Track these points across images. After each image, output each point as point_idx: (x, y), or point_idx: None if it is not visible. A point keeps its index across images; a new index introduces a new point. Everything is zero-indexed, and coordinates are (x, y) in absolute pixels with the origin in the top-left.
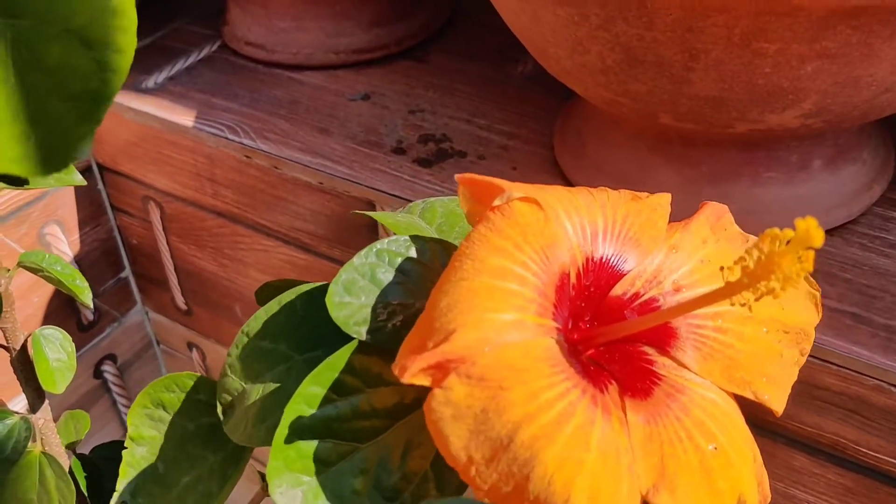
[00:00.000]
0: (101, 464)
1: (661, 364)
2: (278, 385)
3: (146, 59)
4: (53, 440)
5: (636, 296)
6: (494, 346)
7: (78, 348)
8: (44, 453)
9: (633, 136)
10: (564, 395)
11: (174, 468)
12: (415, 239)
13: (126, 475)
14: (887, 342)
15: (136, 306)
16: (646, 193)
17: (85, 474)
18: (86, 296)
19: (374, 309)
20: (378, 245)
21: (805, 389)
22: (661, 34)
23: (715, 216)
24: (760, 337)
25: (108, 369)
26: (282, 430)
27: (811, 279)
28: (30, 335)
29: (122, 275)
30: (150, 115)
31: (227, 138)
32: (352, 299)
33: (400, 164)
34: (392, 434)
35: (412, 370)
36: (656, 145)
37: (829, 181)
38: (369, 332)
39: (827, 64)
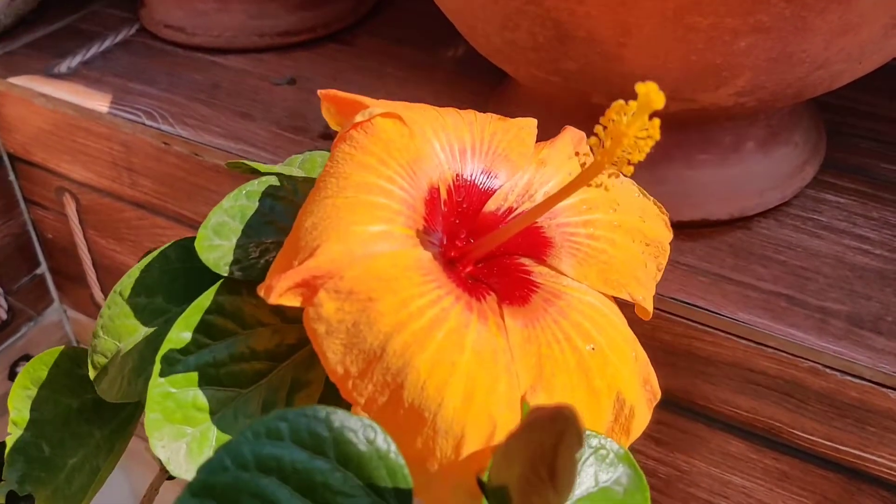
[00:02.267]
0: None
1: (539, 273)
2: (154, 330)
3: (59, 43)
4: None
5: (509, 210)
6: (361, 257)
7: None
8: None
9: (564, 117)
10: (436, 302)
11: (60, 450)
12: (284, 178)
13: (12, 462)
14: (821, 324)
15: (53, 304)
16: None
17: None
18: None
19: (245, 248)
20: (248, 187)
21: (740, 373)
22: (592, 8)
23: (577, 139)
24: (629, 245)
25: None
26: (155, 379)
27: (659, 203)
28: None
29: (38, 271)
30: (62, 102)
31: (143, 124)
32: (222, 241)
33: (327, 149)
34: (276, 376)
35: (278, 289)
36: (588, 127)
37: (763, 163)
38: (241, 269)
39: (761, 39)
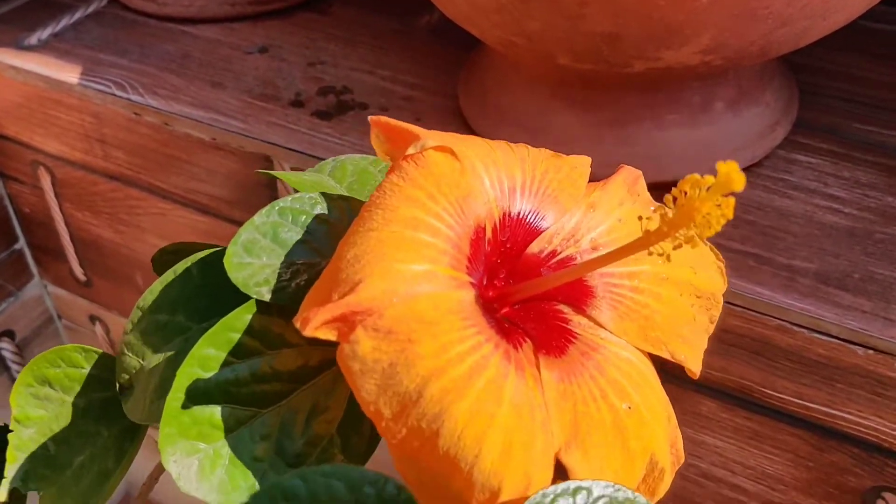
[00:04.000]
0: None
1: (577, 323)
2: (174, 353)
3: (29, 15)
4: None
5: (553, 254)
6: (403, 297)
7: None
8: None
9: (533, 82)
10: (476, 349)
11: (66, 448)
12: (320, 196)
13: (15, 460)
14: (788, 282)
15: (33, 279)
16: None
17: None
18: None
19: (276, 269)
20: (281, 203)
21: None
22: None
23: (632, 179)
24: (675, 299)
25: (6, 346)
26: (175, 395)
27: (716, 250)
28: None
29: (17, 246)
30: (33, 74)
31: (114, 95)
32: (252, 260)
33: (298, 117)
34: (296, 398)
35: (315, 322)
36: (557, 90)
37: (733, 123)
38: (272, 291)
39: None
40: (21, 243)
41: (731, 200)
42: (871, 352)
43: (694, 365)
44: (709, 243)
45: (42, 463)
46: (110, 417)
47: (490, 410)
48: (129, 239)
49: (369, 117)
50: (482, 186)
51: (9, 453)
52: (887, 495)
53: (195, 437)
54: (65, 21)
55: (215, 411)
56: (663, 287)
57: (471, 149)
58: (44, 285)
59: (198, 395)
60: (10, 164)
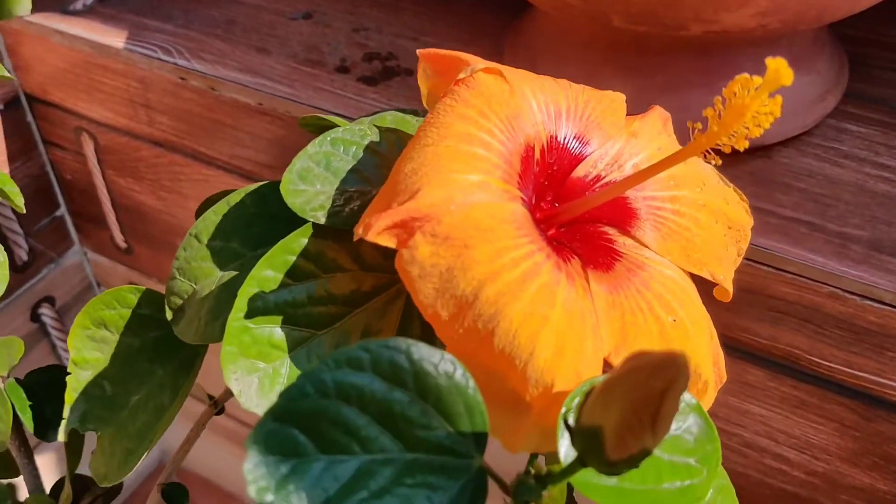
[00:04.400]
0: (37, 389)
1: (622, 243)
2: (235, 274)
3: None
4: None
5: (597, 178)
6: (460, 205)
7: (12, 290)
8: None
9: (585, 47)
10: (529, 256)
11: (122, 388)
12: (371, 127)
13: (72, 401)
14: (841, 248)
15: (73, 246)
16: None
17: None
18: (19, 200)
19: (330, 196)
20: (333, 134)
21: (760, 300)
22: None
23: (665, 117)
24: (712, 225)
25: (47, 312)
26: (236, 314)
27: (739, 191)
28: None
29: (58, 213)
30: (79, 39)
31: (160, 59)
32: (307, 187)
33: (344, 82)
34: (350, 321)
35: (377, 227)
36: (609, 55)
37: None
38: (326, 216)
39: None
40: (62, 210)
41: (779, 99)
42: None
43: (729, 287)
44: (732, 185)
45: (99, 403)
46: (164, 356)
47: (543, 312)
48: (170, 205)
49: (417, 50)
50: (530, 109)
51: (67, 395)
52: None
53: (255, 357)
54: None
55: (274, 331)
56: (701, 213)
57: (519, 74)
58: (84, 252)
59: (257, 314)
60: (53, 131)
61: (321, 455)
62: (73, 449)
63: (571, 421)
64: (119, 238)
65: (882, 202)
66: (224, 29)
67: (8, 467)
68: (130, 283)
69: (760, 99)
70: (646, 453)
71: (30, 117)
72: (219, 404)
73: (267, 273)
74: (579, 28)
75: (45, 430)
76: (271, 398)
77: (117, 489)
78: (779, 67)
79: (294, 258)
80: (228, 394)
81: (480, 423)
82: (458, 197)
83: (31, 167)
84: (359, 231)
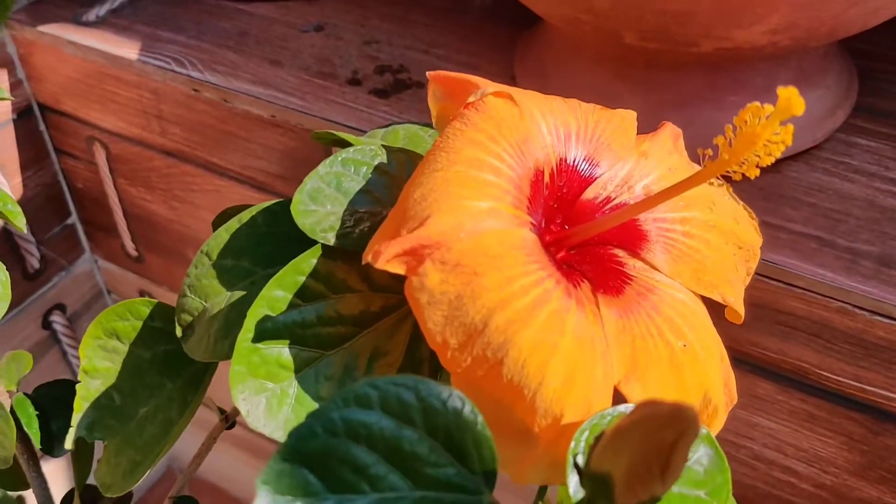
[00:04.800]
0: (45, 404)
1: (632, 266)
2: (244, 294)
3: None
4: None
5: (607, 200)
6: (470, 232)
7: (24, 297)
8: None
9: (595, 62)
10: (539, 283)
11: (131, 399)
12: (380, 148)
13: (81, 409)
14: (851, 264)
15: (84, 254)
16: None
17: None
18: (19, 220)
19: (341, 217)
20: (343, 154)
21: (769, 315)
22: None
23: (675, 134)
24: (723, 247)
25: (58, 320)
26: (245, 334)
27: (749, 209)
28: None
29: (69, 221)
30: (92, 50)
31: (173, 71)
32: (317, 207)
33: (356, 95)
34: (359, 342)
35: (386, 255)
36: (620, 70)
37: None
38: (336, 237)
39: None
40: (73, 218)
41: (790, 128)
42: None
43: (741, 309)
44: (742, 203)
45: (108, 413)
46: (174, 369)
47: (553, 340)
48: (182, 215)
49: (427, 72)
50: (539, 132)
51: (76, 403)
52: None
53: (264, 377)
54: None
55: (283, 352)
56: (712, 234)
57: (528, 97)
58: (94, 260)
59: (267, 334)
60: (65, 140)
61: (331, 494)
62: (82, 460)
63: (581, 461)
64: (130, 246)
65: (892, 217)
66: (236, 41)
67: (17, 480)
68: (141, 291)
69: (772, 127)
70: (655, 500)
71: (42, 126)
72: (230, 419)
73: (277, 293)
74: (590, 43)
75: (52, 445)
76: (279, 418)
77: (128, 498)
78: (790, 96)
79: (304, 278)
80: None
81: (490, 459)
82: (467, 224)
83: (44, 176)
84: (368, 258)
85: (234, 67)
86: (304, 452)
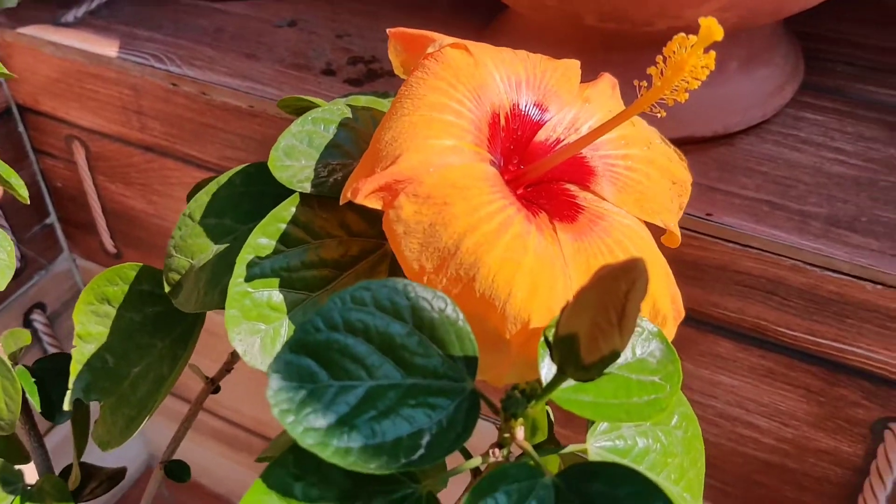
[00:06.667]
0: (44, 375)
1: (583, 198)
2: (228, 246)
3: None
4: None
5: (557, 141)
6: (438, 167)
7: (6, 296)
8: None
9: (558, 46)
10: (502, 210)
11: (124, 360)
12: (346, 107)
13: (76, 373)
14: (801, 225)
15: (63, 253)
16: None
17: (31, 381)
18: (23, 191)
19: (315, 169)
20: (313, 113)
21: (727, 276)
22: None
23: (613, 83)
24: (660, 180)
25: (38, 318)
26: (236, 279)
27: (678, 150)
28: None
29: (48, 221)
30: (72, 49)
31: (152, 67)
32: (292, 162)
33: (331, 84)
34: (341, 282)
35: (364, 191)
36: (580, 52)
37: (745, 83)
38: (312, 186)
39: None
40: (52, 218)
41: (713, 54)
42: (879, 287)
43: (677, 232)
44: (672, 145)
45: (102, 375)
46: (163, 330)
47: (517, 258)
48: (161, 209)
49: (387, 29)
50: (493, 80)
51: (72, 367)
52: (894, 426)
53: (256, 319)
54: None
55: (273, 295)
56: (650, 168)
57: (481, 49)
58: (73, 259)
59: (255, 278)
60: (44, 140)
61: (334, 381)
62: (80, 432)
63: (550, 334)
64: (109, 243)
65: (838, 182)
66: (212, 37)
67: (17, 455)
68: None
69: (697, 54)
70: (615, 355)
71: (21, 127)
72: (215, 383)
73: (261, 241)
74: (553, 28)
75: (52, 412)
76: (273, 355)
77: (120, 476)
78: (710, 25)
79: (285, 226)
80: (222, 373)
81: (470, 349)
82: (435, 160)
83: (23, 176)
84: (347, 195)
85: (211, 62)
86: (309, 345)
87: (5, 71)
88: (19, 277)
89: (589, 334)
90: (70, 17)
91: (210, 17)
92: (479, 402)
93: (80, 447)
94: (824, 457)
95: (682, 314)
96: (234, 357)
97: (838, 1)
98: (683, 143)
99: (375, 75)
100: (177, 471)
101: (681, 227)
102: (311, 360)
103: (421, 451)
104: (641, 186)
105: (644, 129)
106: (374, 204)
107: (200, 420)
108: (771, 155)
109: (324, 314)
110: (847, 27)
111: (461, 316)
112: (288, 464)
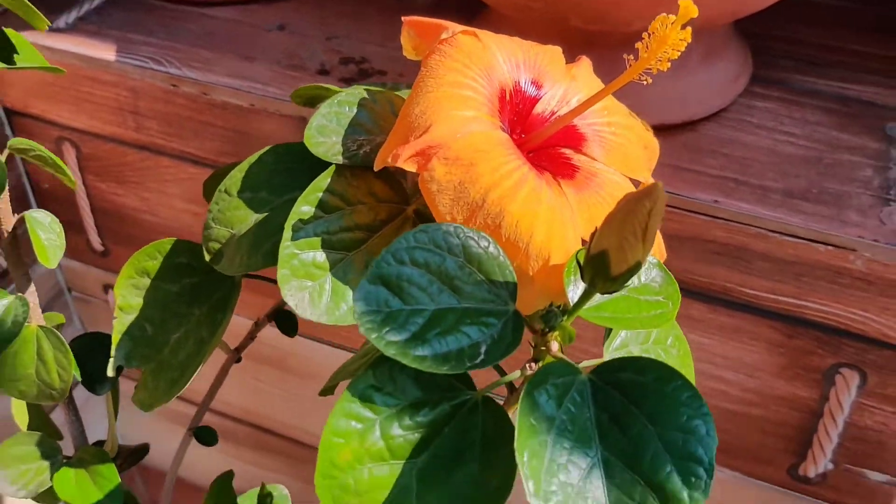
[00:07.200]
0: (80, 352)
1: (578, 159)
2: (266, 215)
3: (48, 1)
4: (41, 322)
5: (552, 113)
6: (463, 134)
7: None
8: (41, 327)
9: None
10: (518, 169)
11: (162, 329)
12: (365, 90)
13: (117, 341)
14: (762, 197)
15: None
16: None
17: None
18: (69, 181)
19: (344, 143)
20: (339, 96)
21: (698, 244)
22: None
23: (590, 64)
24: (637, 143)
25: None
26: (285, 242)
27: (646, 123)
28: (21, 216)
29: None
30: (68, 53)
31: (152, 69)
32: (324, 139)
33: (326, 83)
34: (373, 243)
35: (403, 156)
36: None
37: (705, 75)
38: (345, 158)
39: None
40: None
41: (689, 30)
42: (830, 248)
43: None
44: (639, 118)
45: (142, 343)
46: (201, 299)
47: (534, 209)
48: (153, 205)
49: (403, 17)
50: (498, 62)
51: (113, 337)
52: (844, 371)
53: (304, 276)
54: (86, 6)
55: (316, 255)
56: (630, 133)
57: (486, 35)
58: None
59: (301, 243)
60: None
61: (405, 306)
62: (114, 403)
63: (580, 257)
64: (96, 241)
65: (790, 160)
66: (206, 41)
67: (50, 433)
68: (105, 286)
69: (676, 29)
70: (638, 266)
71: (8, 131)
72: (239, 352)
73: (304, 208)
74: (535, 29)
75: (93, 384)
76: (321, 307)
77: (144, 451)
78: (688, 5)
79: (322, 195)
80: (247, 342)
81: (511, 278)
82: (459, 128)
83: (8, 177)
84: (388, 160)
85: (209, 63)
86: (383, 276)
87: None
88: (5, 278)
89: (618, 248)
90: (61, 22)
91: (199, 23)
92: (522, 320)
93: (114, 415)
94: (784, 402)
95: (664, 255)
96: (257, 326)
97: (779, 4)
98: (654, 130)
99: (367, 74)
100: (204, 435)
101: None
102: (385, 289)
103: (481, 357)
104: (624, 149)
105: (621, 105)
106: (410, 167)
107: (182, 413)
108: (730, 138)
109: (393, 251)
110: (790, 26)
111: (501, 252)
112: (368, 378)
